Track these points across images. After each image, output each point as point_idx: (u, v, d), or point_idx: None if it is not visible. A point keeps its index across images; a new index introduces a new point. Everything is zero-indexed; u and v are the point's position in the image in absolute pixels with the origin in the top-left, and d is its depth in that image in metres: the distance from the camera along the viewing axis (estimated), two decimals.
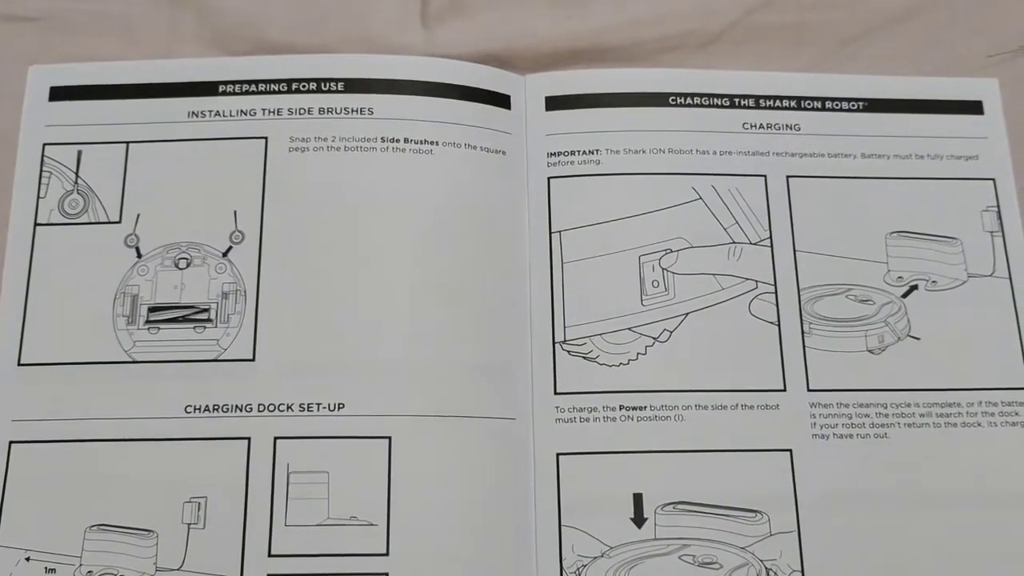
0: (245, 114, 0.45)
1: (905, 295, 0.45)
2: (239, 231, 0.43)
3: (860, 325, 0.44)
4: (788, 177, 0.46)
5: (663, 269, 0.45)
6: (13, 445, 0.41)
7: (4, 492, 0.41)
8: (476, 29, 0.48)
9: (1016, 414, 0.44)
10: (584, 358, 0.44)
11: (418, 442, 0.41)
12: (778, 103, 0.48)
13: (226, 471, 0.41)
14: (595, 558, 0.41)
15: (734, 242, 0.45)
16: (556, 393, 0.43)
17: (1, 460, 0.41)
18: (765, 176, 0.46)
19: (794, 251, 0.45)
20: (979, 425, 0.43)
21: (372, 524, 0.40)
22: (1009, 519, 0.42)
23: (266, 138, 0.45)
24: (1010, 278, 0.46)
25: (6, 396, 0.42)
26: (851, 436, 0.43)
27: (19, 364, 0.42)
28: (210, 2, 0.48)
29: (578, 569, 0.41)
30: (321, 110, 0.45)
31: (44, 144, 0.45)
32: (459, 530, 0.40)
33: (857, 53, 0.49)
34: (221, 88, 0.45)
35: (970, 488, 0.43)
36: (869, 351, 0.44)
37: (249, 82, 0.45)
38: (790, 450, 0.43)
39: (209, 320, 0.43)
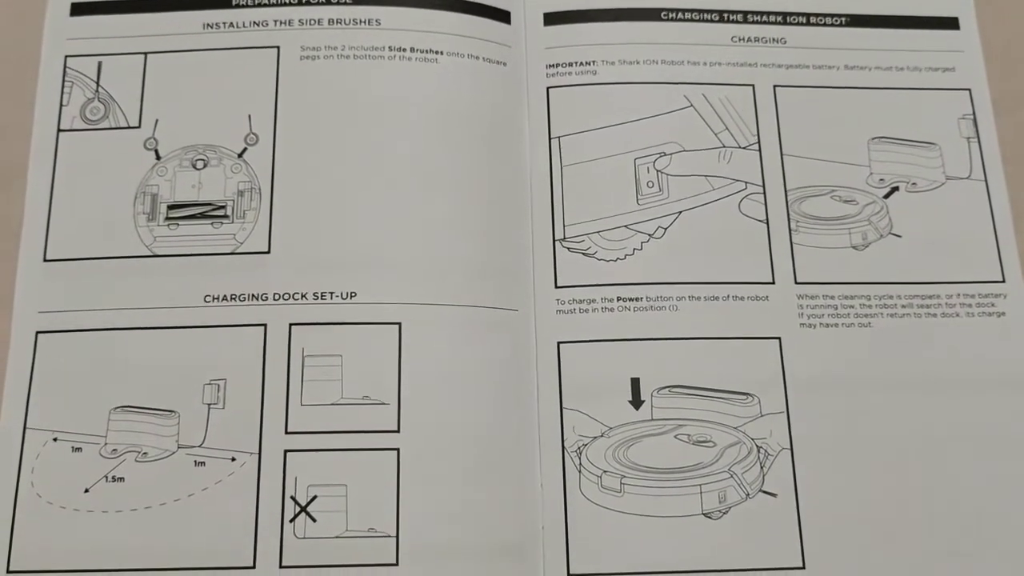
0: (257, 25, 0.47)
1: (887, 196, 0.48)
2: (253, 133, 0.46)
3: (844, 223, 0.47)
4: (775, 87, 0.49)
5: (657, 171, 0.47)
6: (40, 335, 0.43)
7: (32, 378, 0.43)
8: None
9: (992, 305, 0.46)
10: (583, 254, 0.46)
11: (426, 328, 0.43)
12: (765, 18, 0.50)
13: (244, 355, 0.43)
14: (595, 438, 0.43)
15: (724, 146, 0.48)
16: (557, 287, 0.45)
17: (29, 349, 0.43)
18: (753, 86, 0.49)
19: (781, 155, 0.48)
20: (957, 316, 0.46)
21: (384, 403, 0.42)
22: (983, 402, 0.44)
23: (278, 47, 0.47)
24: (986, 180, 0.48)
25: (32, 290, 0.44)
26: (836, 325, 0.45)
27: (45, 260, 0.44)
28: None
29: (579, 448, 0.43)
30: (330, 21, 0.47)
31: (66, 56, 0.47)
32: (465, 410, 0.42)
33: None
34: (234, 1, 0.48)
35: (948, 373, 0.45)
36: (853, 247, 0.47)
37: None
38: (779, 338, 0.45)
39: (226, 216, 0.45)
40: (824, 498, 0.43)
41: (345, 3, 0.47)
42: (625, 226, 0.46)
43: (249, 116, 0.46)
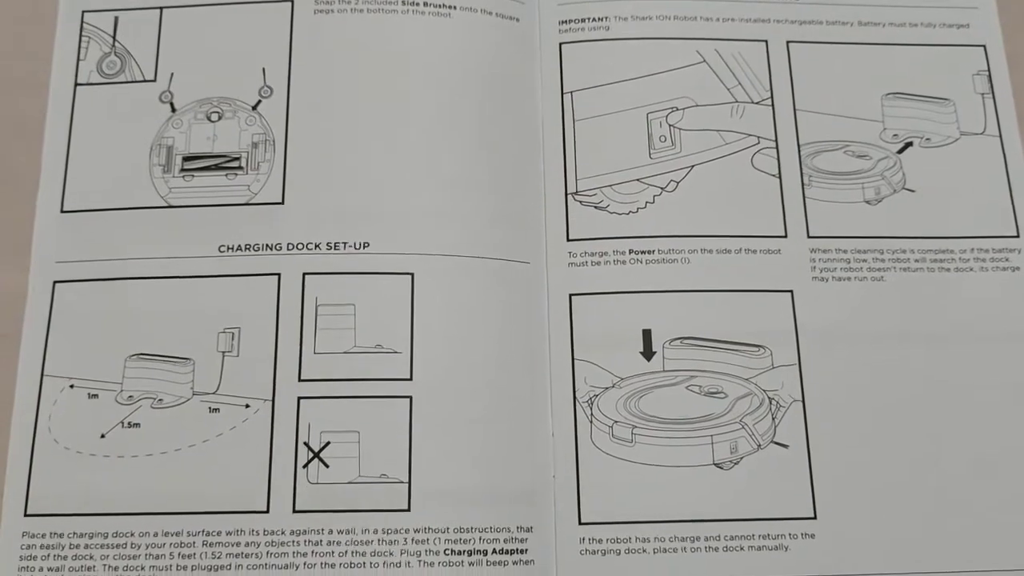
0: None
1: (900, 151, 0.47)
2: (268, 86, 0.46)
3: (858, 178, 0.47)
4: (788, 42, 0.49)
5: (670, 126, 0.47)
6: (57, 284, 0.44)
7: (49, 327, 0.43)
8: None
9: (1006, 260, 0.46)
10: (595, 207, 0.46)
11: (439, 279, 0.43)
12: None
13: (258, 304, 0.43)
14: (607, 388, 0.43)
15: (737, 101, 0.48)
16: (569, 240, 0.45)
17: (46, 298, 0.43)
18: (766, 41, 0.49)
19: (794, 110, 0.48)
20: (971, 270, 0.46)
21: (396, 352, 0.42)
22: (996, 356, 0.44)
23: (292, 1, 0.47)
24: (1000, 136, 0.48)
25: (50, 240, 0.44)
26: (849, 279, 0.45)
27: (62, 211, 0.45)
28: None
29: (591, 399, 0.43)
30: None
31: (83, 11, 0.48)
32: (478, 359, 0.43)
33: None
34: None
35: (960, 327, 0.45)
36: (866, 202, 0.47)
37: None
38: (791, 291, 0.45)
39: (240, 168, 0.45)
40: (836, 449, 0.43)
41: None
42: (637, 180, 0.46)
43: (263, 69, 0.46)
